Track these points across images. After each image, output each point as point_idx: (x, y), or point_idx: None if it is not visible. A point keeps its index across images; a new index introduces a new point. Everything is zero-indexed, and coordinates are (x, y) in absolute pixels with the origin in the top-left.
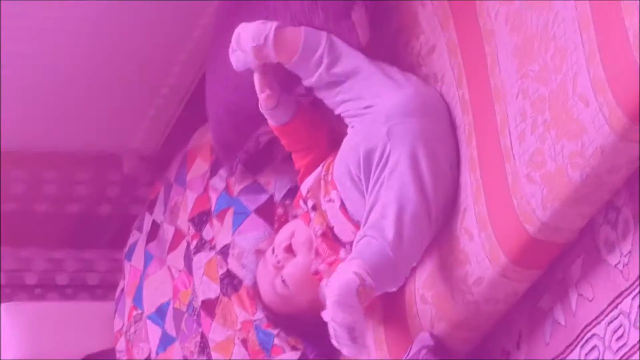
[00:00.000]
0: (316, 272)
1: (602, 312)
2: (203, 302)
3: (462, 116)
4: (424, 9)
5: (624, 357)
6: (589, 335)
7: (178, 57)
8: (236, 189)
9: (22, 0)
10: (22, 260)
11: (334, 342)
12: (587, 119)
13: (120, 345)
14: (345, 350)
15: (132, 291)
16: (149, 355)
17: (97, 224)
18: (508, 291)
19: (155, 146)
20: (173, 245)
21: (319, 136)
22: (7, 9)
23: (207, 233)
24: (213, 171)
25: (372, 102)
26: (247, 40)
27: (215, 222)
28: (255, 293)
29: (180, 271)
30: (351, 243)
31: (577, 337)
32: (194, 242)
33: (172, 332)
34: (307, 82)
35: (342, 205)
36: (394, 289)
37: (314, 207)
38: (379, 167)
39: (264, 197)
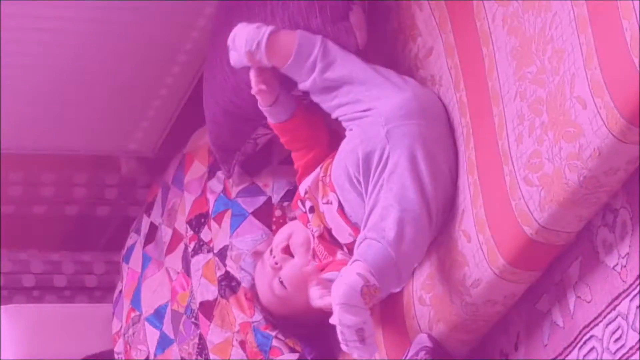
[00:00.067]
0: (312, 273)
1: (600, 314)
2: (201, 304)
3: (460, 118)
4: (421, 11)
5: (622, 359)
6: (587, 336)
7: (176, 59)
8: (234, 191)
9: (21, 1)
10: (19, 263)
11: (343, 346)
12: (585, 120)
13: (119, 347)
14: (355, 354)
15: (130, 293)
16: (147, 357)
17: (95, 226)
18: (506, 293)
19: (153, 148)
20: (171, 248)
21: (318, 135)
22: (5, 9)
23: (205, 235)
24: (211, 173)
25: (370, 105)
26: (241, 44)
27: (213, 224)
28: (253, 294)
29: (178, 273)
30: (348, 245)
31: (575, 338)
32: (192, 244)
33: (170, 334)
34: (302, 87)
35: (340, 207)
36: (397, 290)
37: (312, 209)
38: (379, 170)
39: (261, 199)
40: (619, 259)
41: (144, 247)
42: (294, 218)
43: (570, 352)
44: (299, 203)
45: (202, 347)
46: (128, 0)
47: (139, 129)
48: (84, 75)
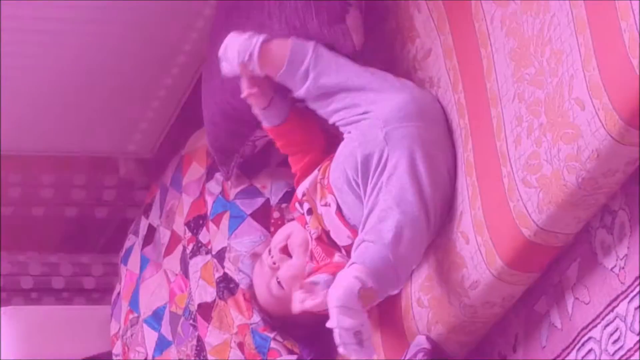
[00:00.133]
0: (309, 275)
1: (598, 316)
2: (199, 305)
3: (458, 120)
4: (419, 13)
5: None
6: (585, 338)
7: (175, 60)
8: (232, 192)
9: (19, 1)
10: (18, 264)
11: (341, 349)
12: (583, 122)
13: (117, 349)
14: (353, 356)
15: (129, 295)
16: (145, 358)
17: (93, 227)
18: (504, 294)
19: (151, 149)
20: (169, 249)
21: (313, 139)
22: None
23: (203, 237)
24: (209, 175)
25: (367, 108)
26: (233, 55)
27: (211, 225)
28: (251, 295)
29: (176, 275)
30: (346, 247)
31: (574, 340)
32: (190, 246)
33: (168, 335)
34: (297, 95)
35: (339, 209)
36: (395, 292)
37: (310, 211)
38: (377, 172)
39: (260, 201)
40: (617, 260)
41: (142, 248)
42: (293, 220)
43: (568, 353)
44: (297, 205)
45: (200, 349)
46: (127, 1)
47: (138, 131)
48: (82, 76)
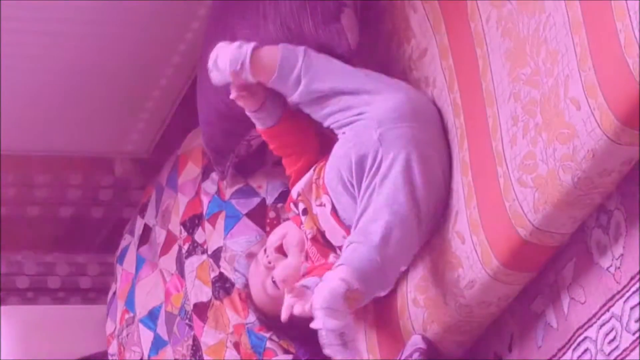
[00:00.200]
0: (305, 275)
1: (594, 315)
2: (195, 305)
3: (453, 120)
4: (415, 13)
5: None
6: (581, 338)
7: (170, 60)
8: (228, 192)
9: (18, 1)
10: (14, 264)
11: (326, 350)
12: (579, 122)
13: (113, 348)
14: (338, 356)
15: (124, 295)
16: (141, 358)
17: (89, 227)
18: (500, 294)
19: (147, 149)
20: (165, 249)
21: (306, 141)
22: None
23: (199, 236)
24: (205, 175)
25: (362, 109)
26: (224, 65)
27: (207, 225)
28: (247, 295)
29: (172, 275)
30: (341, 247)
31: (569, 340)
32: (186, 246)
33: (164, 335)
34: (291, 100)
35: (334, 209)
36: (383, 293)
37: (305, 211)
38: (371, 173)
39: (255, 201)
40: (613, 260)
41: (138, 248)
42: (288, 219)
43: (564, 353)
44: (292, 206)
45: (196, 349)
46: (121, 1)
47: (133, 131)
48: (78, 77)
